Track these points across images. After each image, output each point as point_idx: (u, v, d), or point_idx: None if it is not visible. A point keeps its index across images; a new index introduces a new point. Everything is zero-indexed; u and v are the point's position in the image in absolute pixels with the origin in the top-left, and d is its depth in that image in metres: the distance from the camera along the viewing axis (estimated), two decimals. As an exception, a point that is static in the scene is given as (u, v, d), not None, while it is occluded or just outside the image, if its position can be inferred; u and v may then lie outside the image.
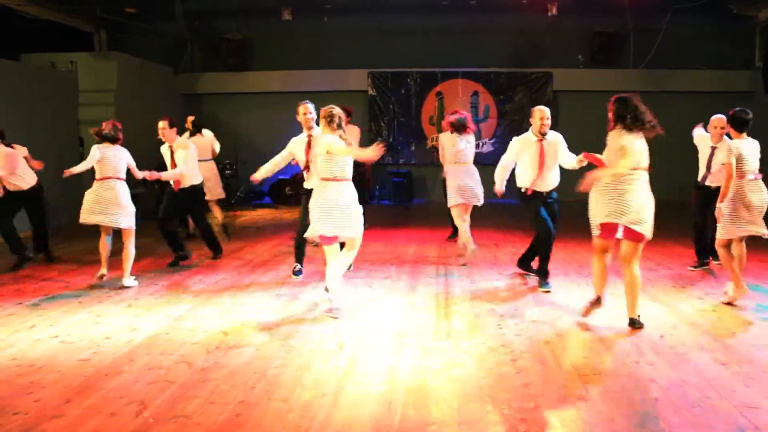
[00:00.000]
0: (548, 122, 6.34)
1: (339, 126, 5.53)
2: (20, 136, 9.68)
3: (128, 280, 6.68)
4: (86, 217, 6.60)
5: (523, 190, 6.45)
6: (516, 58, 14.96)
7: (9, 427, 3.47)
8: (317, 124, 7.11)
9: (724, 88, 14.20)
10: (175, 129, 7.63)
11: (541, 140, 6.35)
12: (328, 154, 5.46)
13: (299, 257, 7.04)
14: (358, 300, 6.07)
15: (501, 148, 14.88)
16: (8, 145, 7.67)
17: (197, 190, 7.84)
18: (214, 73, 15.34)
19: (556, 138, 6.39)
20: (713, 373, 4.15)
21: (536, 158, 6.33)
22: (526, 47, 14.89)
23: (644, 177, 5.00)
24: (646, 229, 4.94)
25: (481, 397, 3.81)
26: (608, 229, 5.08)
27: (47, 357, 4.57)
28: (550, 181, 6.41)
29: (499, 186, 6.62)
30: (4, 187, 7.55)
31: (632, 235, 4.96)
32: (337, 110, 5.57)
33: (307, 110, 6.65)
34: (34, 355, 4.60)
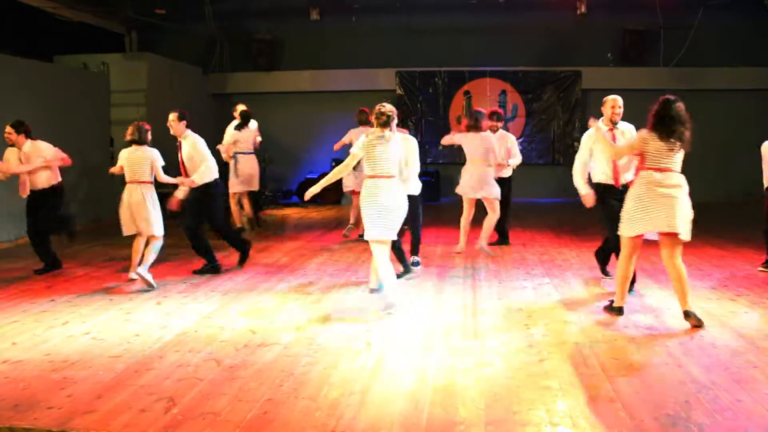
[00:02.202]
0: (620, 111, 6.01)
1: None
2: (54, 136, 9.88)
3: (143, 270, 6.45)
4: None
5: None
6: (544, 57, 14.84)
7: (44, 421, 3.54)
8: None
9: (759, 85, 13.91)
10: (185, 122, 7.04)
11: (612, 129, 6.02)
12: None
13: None
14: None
15: (529, 146, 14.87)
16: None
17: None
18: (243, 73, 15.47)
19: (629, 128, 6.05)
20: (745, 376, 4.08)
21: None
22: (555, 46, 14.77)
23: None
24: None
25: (508, 397, 3.79)
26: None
27: (79, 353, 4.65)
28: (628, 174, 5.89)
29: (585, 189, 6.11)
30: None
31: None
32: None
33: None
34: (67, 351, 4.68)
